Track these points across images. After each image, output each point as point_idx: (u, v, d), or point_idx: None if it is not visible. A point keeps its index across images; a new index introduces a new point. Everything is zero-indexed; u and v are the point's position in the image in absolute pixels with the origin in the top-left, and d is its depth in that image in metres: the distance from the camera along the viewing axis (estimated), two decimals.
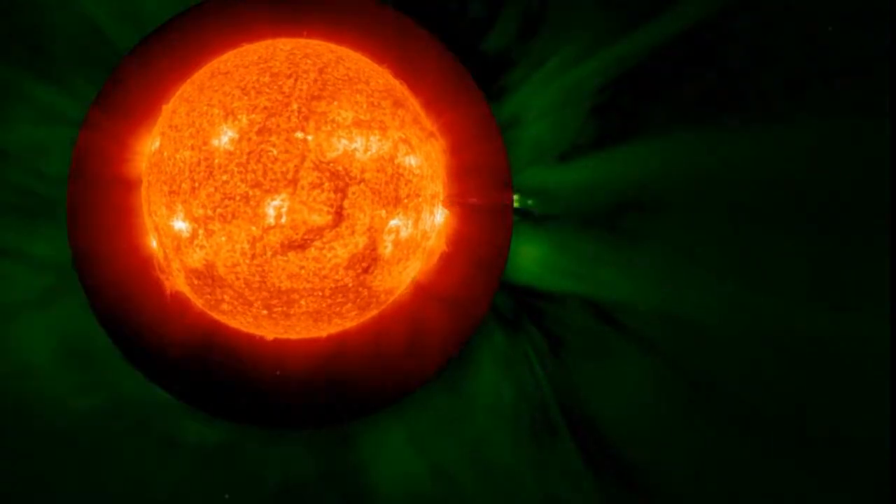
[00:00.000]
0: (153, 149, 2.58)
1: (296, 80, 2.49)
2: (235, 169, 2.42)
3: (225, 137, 2.44)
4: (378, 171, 2.49)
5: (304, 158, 2.43)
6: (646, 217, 2.88)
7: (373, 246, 2.50)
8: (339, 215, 2.43)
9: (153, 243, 2.61)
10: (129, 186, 2.63)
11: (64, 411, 2.77)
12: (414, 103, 2.66)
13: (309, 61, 2.55)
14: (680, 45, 2.86)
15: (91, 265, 2.62)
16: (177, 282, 2.60)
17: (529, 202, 2.88)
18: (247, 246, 2.44)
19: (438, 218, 2.67)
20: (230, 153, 2.43)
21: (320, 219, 2.43)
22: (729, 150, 2.87)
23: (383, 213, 2.49)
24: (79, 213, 2.62)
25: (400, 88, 2.65)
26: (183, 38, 2.64)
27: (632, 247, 2.88)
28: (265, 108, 2.46)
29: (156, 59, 2.64)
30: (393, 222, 2.51)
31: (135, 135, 2.63)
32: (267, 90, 2.48)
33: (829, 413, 2.83)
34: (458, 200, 2.68)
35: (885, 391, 2.82)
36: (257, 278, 2.47)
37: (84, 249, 2.62)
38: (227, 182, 2.42)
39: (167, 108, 2.60)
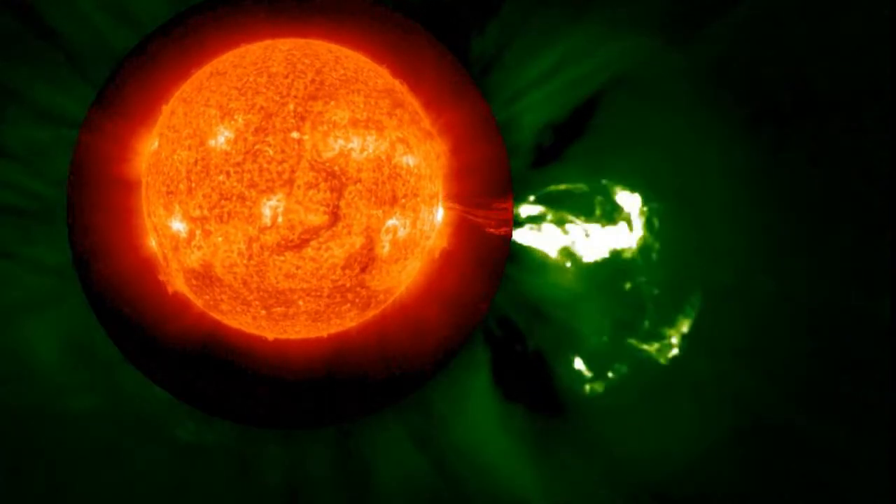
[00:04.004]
0: (152, 149, 2.59)
1: (293, 80, 2.49)
2: (232, 169, 2.42)
3: (221, 138, 2.44)
4: (375, 170, 2.48)
5: (300, 158, 2.42)
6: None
7: (370, 246, 2.49)
8: (335, 215, 2.43)
9: (153, 244, 2.62)
10: (128, 187, 2.63)
11: (65, 411, 2.77)
12: (413, 103, 2.66)
13: (307, 61, 2.54)
14: (682, 42, 2.85)
15: (91, 266, 2.63)
16: (176, 282, 2.61)
17: (528, 201, 2.88)
18: (243, 246, 2.44)
19: (438, 217, 2.67)
20: (226, 153, 2.43)
21: (316, 219, 2.43)
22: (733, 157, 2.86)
23: (380, 212, 2.48)
24: (79, 214, 2.63)
25: (399, 88, 2.65)
26: (182, 38, 2.64)
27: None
28: (262, 108, 2.46)
29: (155, 60, 2.65)
30: (390, 222, 2.51)
31: (135, 135, 2.63)
32: (264, 90, 2.48)
33: None
34: (458, 200, 2.68)
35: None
36: (255, 278, 2.47)
37: (84, 250, 2.63)
38: (223, 182, 2.42)
39: (166, 109, 2.60)
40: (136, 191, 2.63)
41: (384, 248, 2.52)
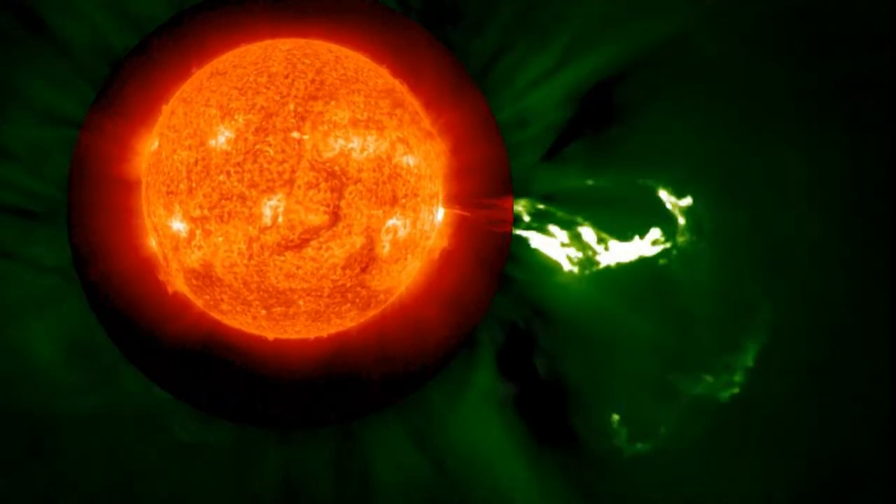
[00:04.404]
0: (152, 149, 2.58)
1: (293, 80, 2.49)
2: (232, 169, 2.42)
3: (222, 138, 2.44)
4: (375, 170, 2.48)
5: (300, 158, 2.42)
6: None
7: (370, 246, 2.49)
8: (335, 215, 2.43)
9: (153, 244, 2.62)
10: (128, 187, 2.63)
11: (65, 411, 2.77)
12: (413, 103, 2.66)
13: (307, 61, 2.54)
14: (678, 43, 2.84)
15: (91, 265, 2.63)
16: (176, 282, 2.61)
17: (528, 201, 2.87)
18: (244, 246, 2.44)
19: (438, 217, 2.67)
20: (227, 153, 2.43)
21: (317, 219, 2.43)
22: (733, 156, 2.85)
23: (380, 212, 2.48)
24: (79, 214, 2.63)
25: (399, 88, 2.65)
26: (182, 38, 2.64)
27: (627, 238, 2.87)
28: (262, 108, 2.46)
29: (155, 60, 2.65)
30: (391, 222, 2.51)
31: (135, 135, 2.63)
32: (264, 90, 2.48)
33: None
34: (458, 200, 2.68)
35: None
36: (255, 278, 2.47)
37: (84, 250, 2.62)
38: (223, 182, 2.42)
39: (166, 109, 2.60)
40: (136, 191, 2.63)
41: (384, 248, 2.52)
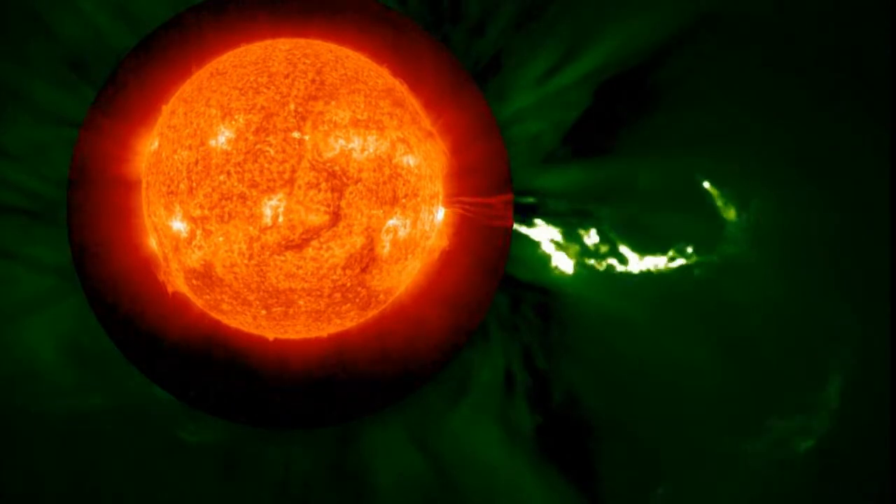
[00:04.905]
0: (152, 149, 2.59)
1: (293, 80, 2.49)
2: (232, 169, 2.43)
3: (222, 137, 2.44)
4: (375, 170, 2.49)
5: (300, 158, 2.43)
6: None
7: (370, 246, 2.50)
8: (336, 215, 2.43)
9: (153, 243, 2.62)
10: (129, 187, 2.64)
11: (64, 411, 2.77)
12: (413, 103, 2.66)
13: (307, 61, 2.55)
14: (679, 43, 2.84)
15: (91, 265, 2.63)
16: (177, 282, 2.61)
17: (529, 200, 2.87)
18: (244, 246, 2.44)
19: (438, 217, 2.67)
20: (227, 153, 2.44)
21: (317, 219, 2.43)
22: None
23: (381, 212, 2.49)
24: (79, 214, 2.63)
25: (399, 88, 2.65)
26: (182, 38, 2.65)
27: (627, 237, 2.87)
28: (262, 108, 2.46)
29: (155, 60, 2.65)
30: (391, 222, 2.51)
31: (135, 135, 2.64)
32: (265, 90, 2.48)
33: None
34: (458, 200, 2.68)
35: None
36: (255, 278, 2.48)
37: (84, 250, 2.63)
38: (224, 182, 2.42)
39: (166, 109, 2.61)
40: (136, 191, 2.63)
41: (385, 248, 2.53)
